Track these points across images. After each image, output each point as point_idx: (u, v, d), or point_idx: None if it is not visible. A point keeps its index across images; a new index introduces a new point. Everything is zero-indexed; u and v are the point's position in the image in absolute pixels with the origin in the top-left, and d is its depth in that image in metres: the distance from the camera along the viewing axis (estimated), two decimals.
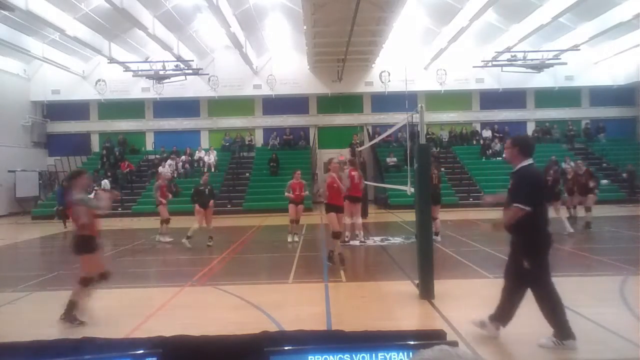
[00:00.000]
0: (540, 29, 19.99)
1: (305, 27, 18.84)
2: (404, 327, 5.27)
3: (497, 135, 25.61)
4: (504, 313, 4.74)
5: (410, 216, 12.48)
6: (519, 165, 4.64)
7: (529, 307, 6.03)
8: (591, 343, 4.72)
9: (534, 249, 4.53)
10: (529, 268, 4.52)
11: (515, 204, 4.47)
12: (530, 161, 4.64)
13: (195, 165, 24.35)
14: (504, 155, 5.10)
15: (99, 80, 25.10)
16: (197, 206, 11.63)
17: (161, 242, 12.56)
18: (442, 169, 20.65)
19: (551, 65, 21.55)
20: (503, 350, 4.70)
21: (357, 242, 11.23)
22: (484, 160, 24.56)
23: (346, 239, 11.34)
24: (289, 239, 11.78)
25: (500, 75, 24.03)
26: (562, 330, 4.46)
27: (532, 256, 4.53)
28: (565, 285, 7.22)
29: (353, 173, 11.22)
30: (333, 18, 17.54)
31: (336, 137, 25.76)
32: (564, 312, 4.51)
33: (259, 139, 26.69)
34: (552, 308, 4.52)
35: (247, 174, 24.08)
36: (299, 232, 12.37)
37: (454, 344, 1.15)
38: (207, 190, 11.78)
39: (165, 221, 12.83)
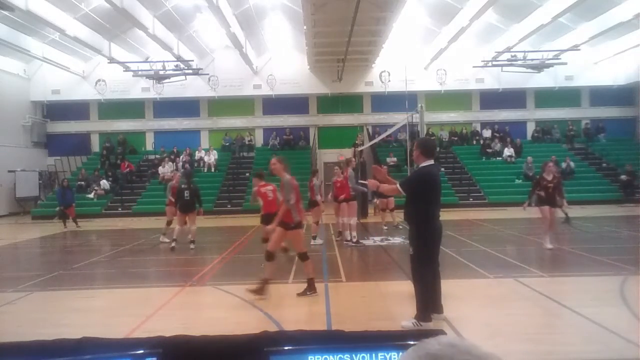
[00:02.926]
0: (540, 29, 19.99)
1: (305, 27, 18.84)
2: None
3: (497, 135, 25.63)
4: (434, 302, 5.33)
5: None
6: (420, 165, 5.26)
7: (528, 307, 6.05)
8: (591, 343, 4.72)
9: (421, 239, 5.15)
10: (412, 254, 5.19)
11: (399, 185, 5.26)
12: (430, 162, 5.25)
13: (196, 165, 24.36)
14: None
15: (99, 80, 25.10)
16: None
17: (162, 242, 12.35)
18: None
19: (551, 65, 21.55)
20: (504, 349, 4.69)
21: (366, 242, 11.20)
22: (484, 160, 24.57)
23: (347, 239, 11.28)
24: (318, 242, 11.43)
25: (500, 75, 24.04)
26: (422, 314, 5.09)
27: (417, 244, 5.16)
28: (565, 285, 7.26)
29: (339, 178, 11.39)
30: (333, 18, 17.54)
31: (336, 137, 25.77)
32: (430, 299, 5.18)
33: (259, 139, 26.70)
34: (421, 293, 5.13)
35: (247, 174, 24.07)
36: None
37: (441, 332, 1.16)
38: (186, 192, 11.20)
39: (169, 222, 12.61)
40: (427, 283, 5.15)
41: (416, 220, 5.18)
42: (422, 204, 5.14)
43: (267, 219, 8.30)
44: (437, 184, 5.31)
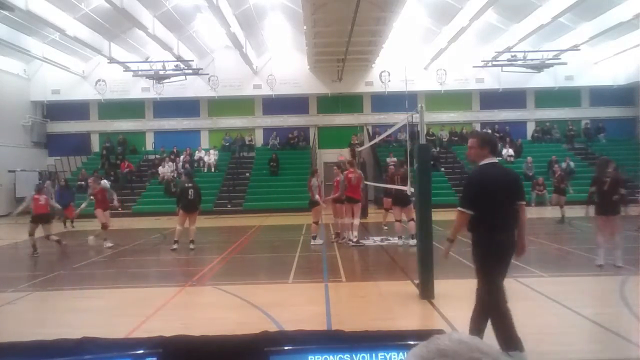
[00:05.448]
0: (540, 29, 19.98)
1: (305, 27, 18.84)
2: (404, 327, 5.27)
3: (497, 135, 25.60)
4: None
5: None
6: (479, 165, 4.33)
7: (528, 307, 6.04)
8: (591, 343, 4.73)
9: (478, 254, 4.31)
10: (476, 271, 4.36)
11: (459, 207, 4.26)
12: (490, 160, 4.31)
13: (195, 165, 24.36)
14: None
15: (99, 80, 25.10)
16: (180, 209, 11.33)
17: (107, 247, 12.04)
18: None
19: (551, 65, 21.55)
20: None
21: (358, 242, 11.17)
22: None
23: (353, 239, 11.19)
24: (318, 242, 11.38)
25: (500, 75, 24.03)
26: (508, 343, 4.15)
27: (475, 259, 4.36)
28: (565, 285, 7.25)
29: (350, 175, 11.26)
30: (333, 18, 17.54)
31: (336, 137, 25.76)
32: (512, 324, 4.19)
33: (259, 139, 26.70)
34: (479, 316, 4.34)
35: (247, 174, 24.09)
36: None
37: (441, 332, 1.16)
38: (190, 191, 11.12)
39: (105, 226, 12.45)
40: (490, 303, 4.28)
41: (472, 230, 4.29)
42: (475, 211, 4.17)
43: (39, 219, 11.17)
44: (493, 186, 4.23)
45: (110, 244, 12.16)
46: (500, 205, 4.20)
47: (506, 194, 4.25)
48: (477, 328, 4.29)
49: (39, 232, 11.17)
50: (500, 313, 4.19)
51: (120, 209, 12.58)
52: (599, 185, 8.31)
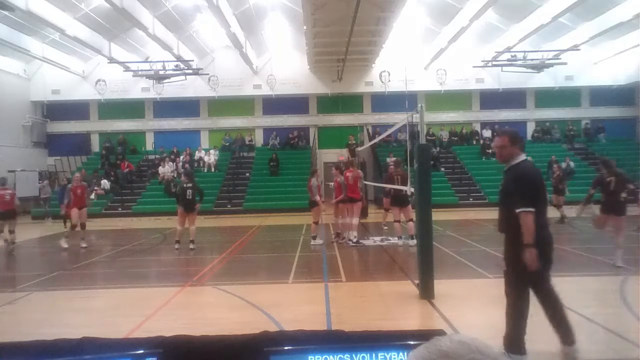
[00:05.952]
0: (540, 29, 20.00)
1: (305, 27, 18.84)
2: (404, 327, 5.27)
3: (497, 135, 25.64)
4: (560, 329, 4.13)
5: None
6: (516, 162, 4.20)
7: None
8: (591, 343, 4.72)
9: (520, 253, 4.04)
10: (506, 269, 4.20)
11: (521, 209, 3.92)
12: (524, 155, 4.24)
13: (195, 165, 24.37)
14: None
15: (99, 80, 25.10)
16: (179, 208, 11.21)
17: (63, 247, 11.93)
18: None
19: (551, 65, 21.55)
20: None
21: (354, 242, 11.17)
22: (484, 160, 24.55)
23: (353, 239, 11.19)
24: (318, 242, 11.37)
25: (500, 75, 24.03)
26: (513, 345, 4.12)
27: (518, 263, 4.03)
28: (565, 285, 7.23)
29: (348, 174, 11.26)
30: (333, 18, 17.54)
31: (336, 137, 25.77)
32: (524, 325, 4.11)
33: (258, 139, 26.70)
34: (512, 318, 4.14)
35: (247, 174, 24.09)
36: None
37: (441, 332, 1.17)
38: (189, 191, 11.00)
39: (73, 226, 12.19)
40: (522, 308, 4.12)
41: (517, 228, 3.97)
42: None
43: (4, 216, 11.38)
44: (542, 182, 4.23)
45: (66, 245, 11.93)
46: (545, 202, 4.14)
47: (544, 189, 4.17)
48: (518, 326, 4.14)
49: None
50: (523, 314, 4.13)
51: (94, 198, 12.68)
52: (604, 185, 8.14)
